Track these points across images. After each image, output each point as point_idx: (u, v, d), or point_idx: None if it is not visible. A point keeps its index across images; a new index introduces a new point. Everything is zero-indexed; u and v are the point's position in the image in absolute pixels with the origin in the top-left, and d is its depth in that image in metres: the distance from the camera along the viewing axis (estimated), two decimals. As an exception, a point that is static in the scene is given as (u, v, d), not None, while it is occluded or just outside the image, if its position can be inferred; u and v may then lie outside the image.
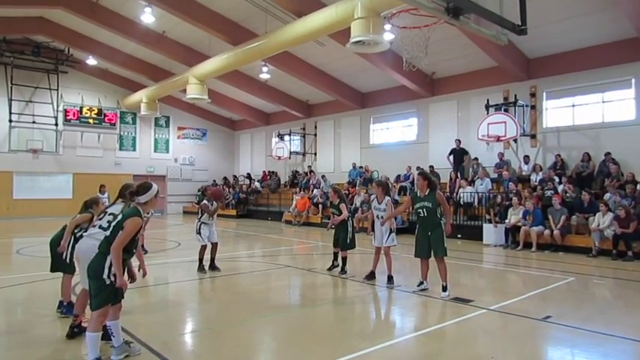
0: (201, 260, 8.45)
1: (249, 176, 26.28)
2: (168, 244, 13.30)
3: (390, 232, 7.48)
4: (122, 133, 25.04)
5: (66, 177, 23.09)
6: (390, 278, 7.46)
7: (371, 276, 7.71)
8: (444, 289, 6.59)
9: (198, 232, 8.36)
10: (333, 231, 8.49)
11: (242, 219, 22.15)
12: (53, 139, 22.69)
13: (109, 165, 24.35)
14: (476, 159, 15.79)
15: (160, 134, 26.57)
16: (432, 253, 6.66)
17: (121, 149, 24.98)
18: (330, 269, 8.59)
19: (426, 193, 6.66)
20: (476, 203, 14.48)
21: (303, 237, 15.48)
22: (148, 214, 6.06)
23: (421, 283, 6.95)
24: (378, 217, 7.60)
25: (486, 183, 14.60)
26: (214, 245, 8.52)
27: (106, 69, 23.12)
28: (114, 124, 24.52)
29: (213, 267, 8.49)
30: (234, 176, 27.21)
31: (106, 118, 24.21)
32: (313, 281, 8.11)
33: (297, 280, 8.28)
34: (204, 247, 8.45)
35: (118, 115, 24.70)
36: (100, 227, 4.50)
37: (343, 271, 8.31)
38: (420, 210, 6.68)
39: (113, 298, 4.02)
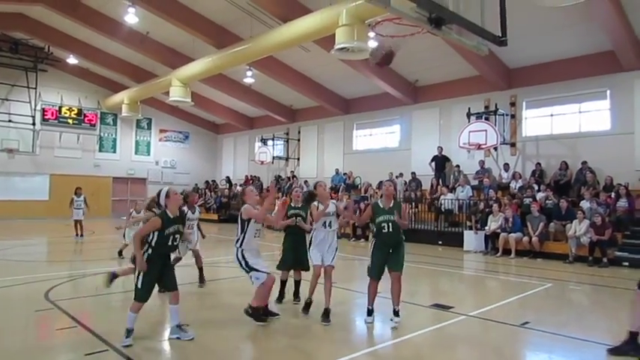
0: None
1: (228, 180, 26.16)
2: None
3: (336, 248, 5.90)
4: (102, 134, 24.68)
5: (42, 178, 22.64)
6: (327, 313, 5.63)
7: (308, 308, 6.01)
8: (397, 313, 5.56)
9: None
10: (289, 245, 6.40)
11: (223, 223, 21.97)
12: (30, 138, 22.23)
13: (88, 167, 23.97)
14: (457, 166, 16.00)
15: (141, 136, 26.27)
16: (388, 270, 5.53)
17: (100, 151, 24.62)
18: (281, 300, 6.53)
19: (391, 205, 5.55)
20: (456, 210, 14.66)
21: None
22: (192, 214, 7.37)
23: (371, 312, 5.62)
24: (326, 225, 5.85)
25: (467, 190, 14.80)
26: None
27: (87, 68, 22.79)
28: (94, 125, 24.19)
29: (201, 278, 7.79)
30: (214, 181, 27.04)
31: (86, 119, 23.87)
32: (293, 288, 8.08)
33: (276, 287, 8.23)
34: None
35: (99, 115, 24.37)
36: None
37: (298, 298, 6.62)
38: (385, 224, 5.48)
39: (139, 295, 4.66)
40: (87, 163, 24.01)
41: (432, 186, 16.25)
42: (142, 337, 4.78)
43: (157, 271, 4.70)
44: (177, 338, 4.81)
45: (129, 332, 4.62)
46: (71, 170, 22.97)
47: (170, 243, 4.73)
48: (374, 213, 5.58)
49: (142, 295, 4.64)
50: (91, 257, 11.25)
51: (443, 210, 14.76)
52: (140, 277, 4.62)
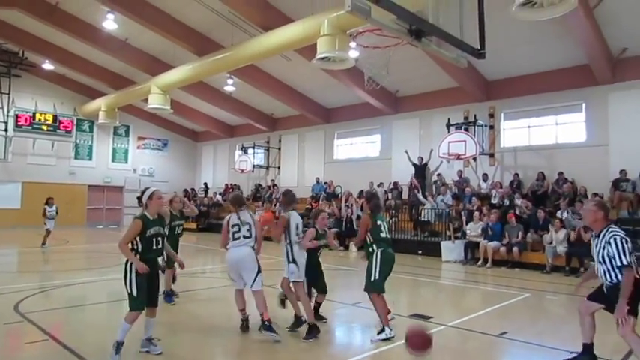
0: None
1: (206, 186, 25.93)
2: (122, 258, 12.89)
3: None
4: (78, 141, 24.24)
5: (15, 186, 22.06)
6: (313, 328, 5.44)
7: (298, 323, 5.74)
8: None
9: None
10: (309, 266, 5.81)
11: (202, 232, 21.73)
12: (2, 145, 21.70)
13: (63, 174, 23.48)
14: (439, 174, 16.17)
15: (118, 144, 25.91)
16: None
17: (76, 158, 24.16)
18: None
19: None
20: (432, 219, 14.80)
21: (265, 252, 15.31)
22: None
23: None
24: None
25: (447, 198, 14.97)
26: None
27: (63, 74, 22.41)
28: (70, 132, 23.75)
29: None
30: (193, 189, 26.80)
31: (62, 126, 23.41)
32: (274, 300, 8.02)
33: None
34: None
35: (75, 122, 23.94)
36: None
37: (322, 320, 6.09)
38: (387, 234, 5.65)
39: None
40: (62, 170, 23.53)
41: (410, 188, 16.29)
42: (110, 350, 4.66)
43: (149, 277, 4.59)
44: (147, 352, 4.73)
45: (119, 346, 4.41)
46: (45, 178, 22.46)
47: (155, 246, 4.67)
48: (374, 224, 5.51)
49: (139, 303, 4.51)
50: (65, 267, 10.98)
51: (422, 220, 14.85)
52: (134, 284, 4.50)
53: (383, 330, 5.40)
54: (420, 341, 4.18)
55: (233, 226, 5.51)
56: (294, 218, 5.74)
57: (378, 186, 17.39)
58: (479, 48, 5.85)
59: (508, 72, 14.86)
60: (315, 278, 5.92)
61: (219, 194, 24.50)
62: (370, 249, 5.56)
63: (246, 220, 5.56)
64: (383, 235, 5.56)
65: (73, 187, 23.48)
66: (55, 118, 23.16)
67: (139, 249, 4.60)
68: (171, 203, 7.45)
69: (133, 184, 26.02)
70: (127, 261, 4.57)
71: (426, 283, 10.00)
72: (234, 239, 5.47)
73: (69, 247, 15.07)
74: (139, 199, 4.80)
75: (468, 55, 5.86)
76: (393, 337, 5.29)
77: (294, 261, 5.63)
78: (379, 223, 5.60)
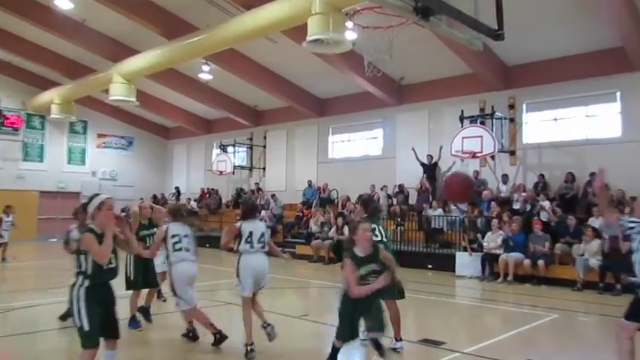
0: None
1: (177, 191, 25.85)
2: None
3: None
4: (27, 140, 24.08)
5: (-47, 193, 21.86)
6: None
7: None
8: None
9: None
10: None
11: (175, 246, 21.70)
12: (-63, 146, 21.54)
13: (10, 179, 23.25)
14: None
15: (74, 142, 25.75)
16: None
17: (25, 160, 23.98)
18: None
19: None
20: (446, 228, 14.84)
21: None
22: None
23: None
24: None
25: (463, 204, 15.00)
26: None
27: (8, 62, 22.23)
28: (17, 130, 23.57)
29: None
30: (163, 195, 26.70)
31: (7, 122, 23.22)
32: (257, 324, 8.00)
33: (239, 321, 8.13)
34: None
35: (23, 118, 23.80)
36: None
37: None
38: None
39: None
40: (8, 174, 23.29)
41: (419, 192, 16.29)
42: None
43: (104, 305, 4.40)
44: None
45: None
46: (-12, 183, 22.27)
47: (107, 268, 4.40)
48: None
49: (92, 339, 4.26)
50: (12, 288, 10.90)
51: (432, 228, 14.88)
52: (83, 315, 4.25)
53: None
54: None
55: (173, 236, 6.18)
56: (250, 226, 6.12)
57: (381, 189, 17.41)
58: (496, 28, 5.89)
59: (530, 56, 14.93)
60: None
61: (194, 200, 24.42)
62: None
63: (185, 231, 6.25)
64: (376, 239, 5.75)
65: (21, 194, 23.20)
66: (-1, 112, 23.00)
67: (88, 272, 4.32)
68: (140, 210, 7.49)
69: (91, 190, 25.65)
70: (74, 286, 4.34)
71: (438, 302, 10.01)
72: (176, 250, 6.14)
73: (17, 264, 14.94)
74: (84, 207, 4.63)
75: (483, 36, 5.89)
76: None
77: (237, 274, 6.09)
78: (372, 227, 5.67)
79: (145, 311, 7.53)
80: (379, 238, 5.95)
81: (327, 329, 7.40)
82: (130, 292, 7.21)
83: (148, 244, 7.26)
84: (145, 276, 7.25)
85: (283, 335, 6.38)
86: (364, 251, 4.95)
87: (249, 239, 6.03)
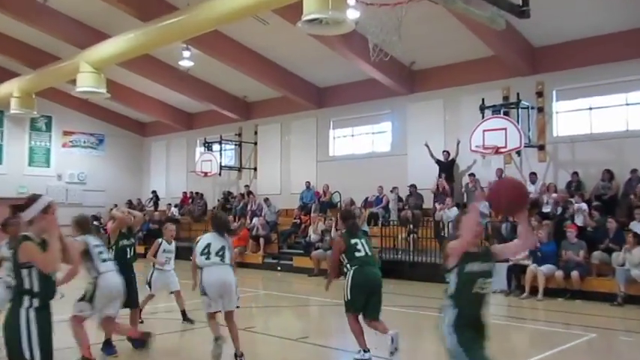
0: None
1: (155, 196, 25.84)
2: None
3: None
4: (-18, 139, 24.18)
5: None
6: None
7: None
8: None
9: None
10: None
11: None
12: None
13: (-37, 184, 23.36)
14: (472, 175, 16.17)
15: (37, 141, 25.83)
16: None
17: (-20, 162, 24.10)
18: None
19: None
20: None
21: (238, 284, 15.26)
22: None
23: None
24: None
25: (483, 206, 14.94)
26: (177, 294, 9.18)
27: (-41, 49, 22.30)
28: (-29, 127, 23.65)
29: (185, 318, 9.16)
30: (139, 200, 26.69)
31: (-40, 119, 23.33)
32: (251, 347, 7.98)
33: (228, 346, 8.11)
34: (149, 296, 9.07)
35: (-23, 114, 23.85)
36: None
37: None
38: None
39: None
40: (-40, 178, 23.41)
41: (435, 193, 16.24)
42: None
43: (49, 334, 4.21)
44: None
45: None
46: (-62, 189, 22.30)
47: (49, 283, 4.22)
48: (347, 245, 6.85)
49: None
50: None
51: (443, 233, 14.81)
52: (35, 347, 4.05)
53: (359, 352, 6.73)
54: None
55: (96, 245, 6.69)
56: (209, 239, 6.82)
57: (391, 191, 17.39)
58: (520, 4, 5.85)
59: (561, 35, 14.90)
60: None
61: (175, 206, 24.39)
62: (345, 269, 6.88)
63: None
64: (359, 254, 6.78)
65: (-24, 201, 23.33)
66: (-51, 107, 23.04)
67: (35, 289, 4.12)
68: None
69: (58, 195, 25.77)
70: (18, 309, 4.10)
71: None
72: (104, 261, 6.63)
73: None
74: (18, 209, 4.45)
75: (506, 13, 5.86)
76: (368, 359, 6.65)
77: (204, 292, 6.69)
78: (353, 242, 6.85)
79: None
80: (362, 254, 6.80)
81: (330, 353, 7.37)
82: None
83: (128, 256, 7.33)
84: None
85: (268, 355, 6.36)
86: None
87: (205, 251, 6.63)
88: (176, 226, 22.06)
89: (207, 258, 6.59)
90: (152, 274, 9.04)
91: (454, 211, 15.03)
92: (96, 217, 25.87)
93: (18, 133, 25.17)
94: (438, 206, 15.78)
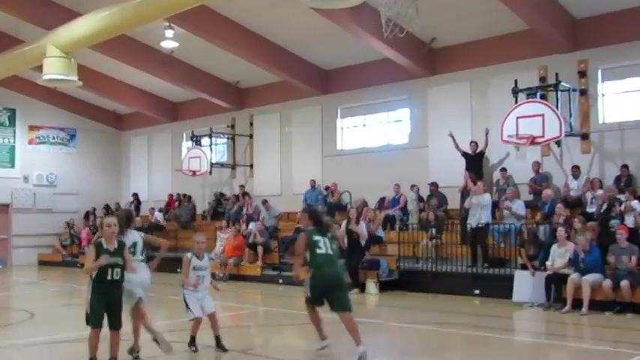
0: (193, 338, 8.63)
1: (136, 199, 25.93)
2: (15, 315, 12.97)
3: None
4: (-64, 136, 24.40)
5: None
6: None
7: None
8: None
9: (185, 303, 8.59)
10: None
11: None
12: None
13: None
14: (503, 170, 16.13)
15: (0, 138, 26.00)
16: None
17: None
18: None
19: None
20: (497, 239, 14.77)
21: (233, 299, 15.31)
22: None
23: None
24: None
25: (518, 206, 14.93)
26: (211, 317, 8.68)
27: None
28: None
29: (219, 345, 8.69)
30: (118, 204, 26.78)
31: None
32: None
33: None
34: (197, 321, 8.52)
35: None
36: None
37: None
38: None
39: None
40: None
41: (463, 192, 16.19)
42: None
43: None
44: None
45: None
46: None
47: None
48: (310, 242, 8.14)
49: None
50: None
51: (476, 237, 14.76)
52: None
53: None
54: None
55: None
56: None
57: (411, 188, 17.37)
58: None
59: (607, 4, 14.86)
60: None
61: (160, 210, 24.45)
62: (308, 267, 8.20)
63: None
64: (320, 251, 8.04)
65: None
66: None
67: None
68: (102, 228, 7.64)
69: (24, 200, 26.07)
70: None
71: (489, 339, 9.96)
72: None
73: None
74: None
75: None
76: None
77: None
78: (316, 239, 8.09)
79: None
80: (323, 251, 8.06)
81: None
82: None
83: (112, 278, 7.34)
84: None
85: None
86: None
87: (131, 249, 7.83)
88: (159, 232, 22.42)
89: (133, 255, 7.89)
90: (185, 298, 8.59)
91: (486, 197, 14.95)
92: (69, 225, 26.10)
93: (-23, 128, 25.35)
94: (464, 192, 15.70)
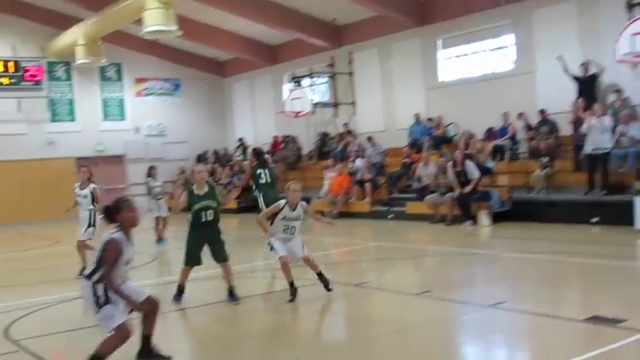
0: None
1: (242, 143, 26.57)
2: (137, 258, 13.64)
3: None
4: (53, 95, 25.33)
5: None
6: None
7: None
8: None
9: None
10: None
11: (246, 214, 22.23)
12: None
13: (38, 145, 24.74)
14: (618, 91, 15.46)
15: (109, 92, 26.92)
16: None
17: (54, 120, 25.40)
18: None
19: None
20: (615, 163, 14.29)
21: (344, 235, 15.59)
22: None
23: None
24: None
25: (636, 129, 14.32)
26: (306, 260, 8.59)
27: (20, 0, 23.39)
28: (39, 83, 24.73)
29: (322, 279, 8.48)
30: (225, 149, 27.49)
31: (27, 75, 24.31)
32: (365, 304, 8.22)
33: (339, 303, 8.40)
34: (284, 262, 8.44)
35: (45, 67, 24.90)
36: None
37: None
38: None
39: None
40: (35, 139, 24.75)
41: (574, 121, 15.66)
42: None
43: None
44: None
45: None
46: (12, 153, 23.72)
47: None
48: (254, 174, 12.11)
49: None
50: (59, 277, 11.81)
51: (595, 159, 14.26)
52: None
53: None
54: None
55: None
56: None
57: (518, 117, 16.97)
58: None
59: None
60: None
61: (267, 153, 24.91)
62: (254, 194, 12.40)
63: None
64: (261, 181, 12.03)
65: (53, 163, 24.60)
66: (16, 64, 24.12)
67: None
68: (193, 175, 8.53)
69: (138, 151, 26.96)
70: None
71: (609, 268, 9.78)
72: None
73: (59, 249, 16.07)
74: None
75: None
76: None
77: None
78: (259, 172, 12.08)
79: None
80: (264, 181, 12.06)
81: (457, 308, 7.49)
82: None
83: (204, 219, 8.38)
84: None
85: (401, 318, 6.51)
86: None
87: None
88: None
89: None
90: (270, 242, 8.65)
91: (606, 120, 14.36)
92: (183, 172, 26.91)
93: (88, 85, 26.33)
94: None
